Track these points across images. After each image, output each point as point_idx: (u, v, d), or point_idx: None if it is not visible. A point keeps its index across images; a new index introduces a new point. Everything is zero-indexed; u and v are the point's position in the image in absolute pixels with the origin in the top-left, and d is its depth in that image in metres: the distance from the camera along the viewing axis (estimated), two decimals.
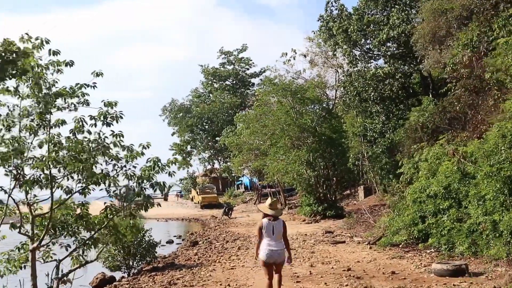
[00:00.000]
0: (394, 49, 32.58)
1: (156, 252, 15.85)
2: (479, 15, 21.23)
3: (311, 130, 29.82)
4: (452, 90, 23.18)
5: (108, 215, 10.53)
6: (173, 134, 63.88)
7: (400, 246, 15.17)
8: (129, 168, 9.71)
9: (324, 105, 33.06)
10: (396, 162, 29.72)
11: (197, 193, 52.26)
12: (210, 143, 61.36)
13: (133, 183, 9.77)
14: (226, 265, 14.03)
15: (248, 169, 46.88)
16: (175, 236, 27.62)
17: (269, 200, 9.31)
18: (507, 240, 11.72)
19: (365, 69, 34.32)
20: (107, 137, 9.70)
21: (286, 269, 12.83)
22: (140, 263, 15.19)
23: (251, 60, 63.29)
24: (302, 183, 30.21)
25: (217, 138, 56.28)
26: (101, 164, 9.71)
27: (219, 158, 63.12)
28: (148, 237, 15.39)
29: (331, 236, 19.67)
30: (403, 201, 17.04)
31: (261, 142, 34.78)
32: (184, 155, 64.63)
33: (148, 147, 9.63)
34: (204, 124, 62.42)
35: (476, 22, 21.01)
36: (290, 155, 29.67)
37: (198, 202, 50.90)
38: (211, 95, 64.03)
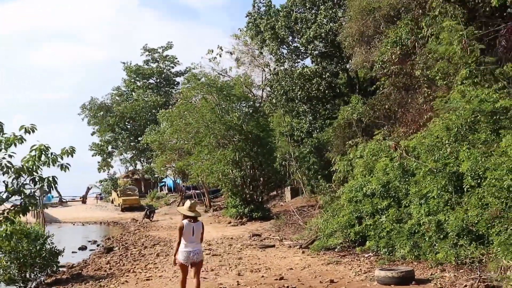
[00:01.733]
0: (322, 48, 31.66)
1: (58, 262, 13.36)
2: (407, 14, 20.64)
3: (238, 128, 28.09)
4: (381, 88, 22.42)
5: None
6: (93, 133, 60.13)
7: (336, 250, 13.73)
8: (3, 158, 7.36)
9: (250, 103, 31.36)
10: (325, 162, 29.13)
11: (117, 195, 49.12)
12: (132, 143, 58.15)
13: (10, 177, 7.42)
14: (141, 275, 11.96)
15: (172, 169, 44.51)
16: (90, 241, 24.93)
17: (188, 203, 9.42)
18: (454, 242, 10.50)
19: (292, 68, 33.37)
20: None
21: (210, 279, 10.99)
22: (39, 275, 12.69)
23: (176, 58, 60.80)
24: (228, 183, 28.40)
25: (139, 138, 53.24)
26: None
27: (142, 159, 60.02)
28: (49, 244, 12.90)
29: (259, 240, 18.01)
30: (337, 201, 15.67)
31: (185, 141, 32.67)
32: (104, 155, 61.46)
33: (33, 131, 7.39)
34: (126, 123, 59.15)
35: (405, 20, 20.37)
36: (215, 155, 27.82)
37: (119, 204, 47.84)
38: (133, 93, 60.83)
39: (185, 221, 9.03)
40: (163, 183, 57.68)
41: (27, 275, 12.14)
